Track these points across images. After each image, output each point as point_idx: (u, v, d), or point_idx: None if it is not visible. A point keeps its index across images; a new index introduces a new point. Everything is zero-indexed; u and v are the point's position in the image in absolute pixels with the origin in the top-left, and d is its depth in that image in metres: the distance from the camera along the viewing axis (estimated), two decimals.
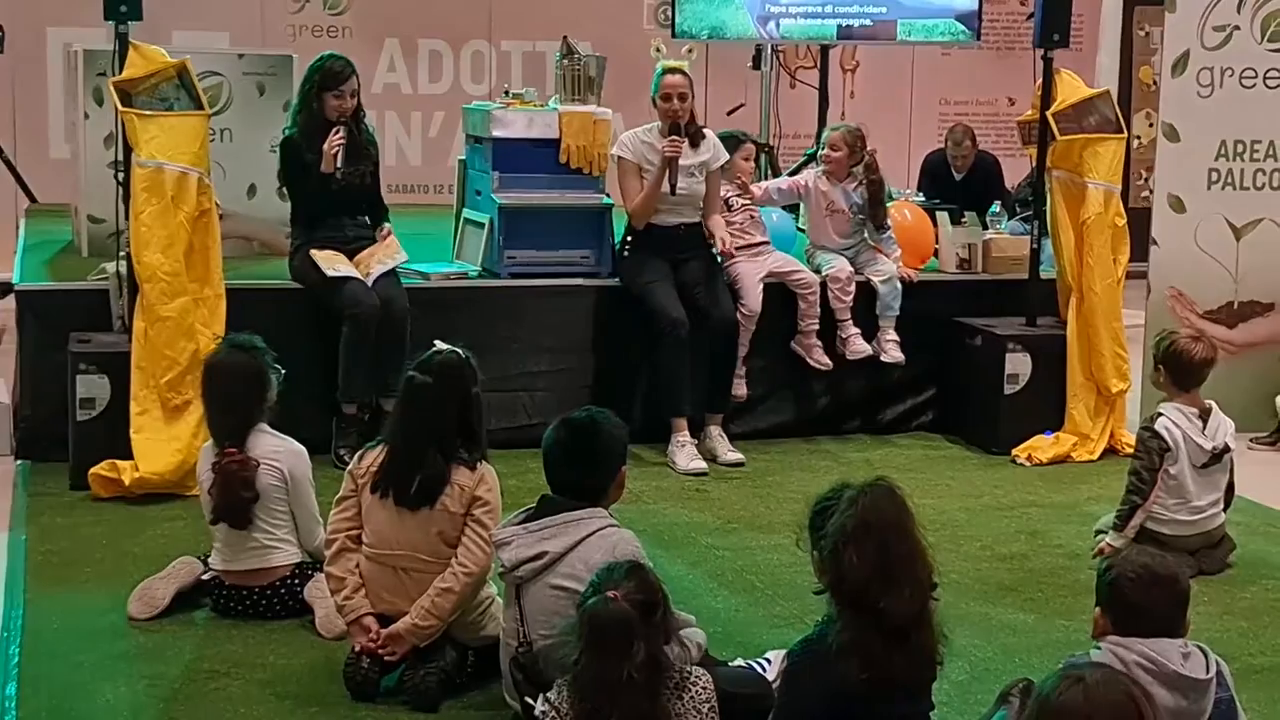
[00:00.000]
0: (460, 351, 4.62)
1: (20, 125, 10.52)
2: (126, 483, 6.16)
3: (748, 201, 7.50)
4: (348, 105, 6.85)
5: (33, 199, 9.73)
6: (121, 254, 6.50)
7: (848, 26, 9.31)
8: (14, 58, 9.99)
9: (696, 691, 3.45)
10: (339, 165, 6.77)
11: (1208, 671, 3.45)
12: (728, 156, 7.29)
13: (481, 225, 7.51)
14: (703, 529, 6.00)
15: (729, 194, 7.39)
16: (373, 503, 4.48)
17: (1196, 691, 3.42)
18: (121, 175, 6.49)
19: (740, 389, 7.21)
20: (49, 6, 10.69)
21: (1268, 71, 7.69)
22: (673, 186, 6.96)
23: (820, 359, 7.33)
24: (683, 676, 3.46)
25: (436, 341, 4.75)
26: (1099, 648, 3.49)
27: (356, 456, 4.66)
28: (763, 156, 8.84)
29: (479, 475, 4.50)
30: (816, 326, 7.31)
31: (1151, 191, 7.95)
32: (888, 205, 7.71)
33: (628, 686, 3.34)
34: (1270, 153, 7.71)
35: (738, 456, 7.01)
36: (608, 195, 7.48)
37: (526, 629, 4.07)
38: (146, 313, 6.30)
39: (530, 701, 3.94)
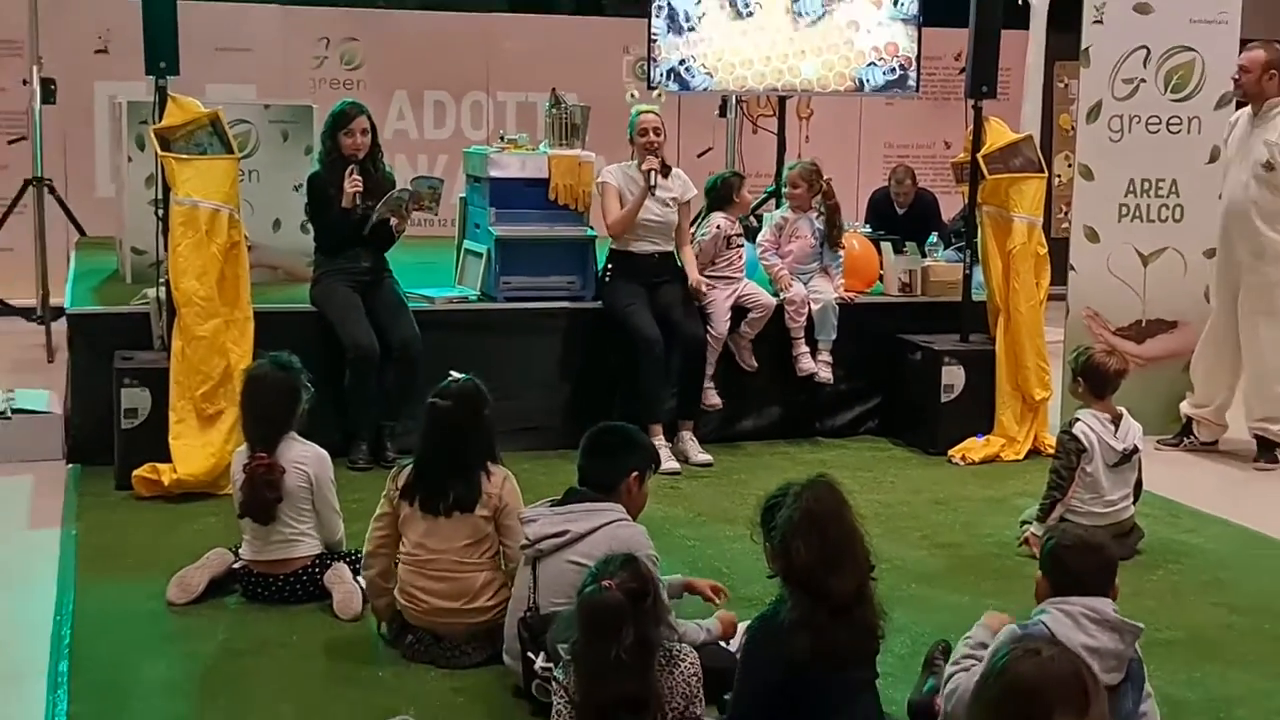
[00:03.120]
0: (473, 380, 4.68)
1: (70, 167, 10.52)
2: (165, 483, 6.18)
3: (743, 242, 7.53)
4: (359, 142, 6.85)
5: (82, 233, 9.71)
6: (161, 281, 6.52)
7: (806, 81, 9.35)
8: (65, 108, 9.97)
9: (685, 667, 3.48)
10: (357, 202, 6.79)
11: (1136, 624, 3.56)
12: (695, 192, 7.35)
13: (480, 255, 7.53)
14: (676, 522, 6.02)
15: (731, 232, 7.40)
16: (409, 515, 4.53)
17: (1130, 634, 3.52)
18: (161, 212, 6.51)
19: (714, 399, 7.24)
20: (96, 63, 10.73)
21: (1170, 118, 7.74)
22: (651, 189, 7.01)
23: (748, 361, 7.36)
24: (672, 655, 3.49)
25: (452, 371, 4.80)
26: (1045, 610, 3.55)
27: (390, 476, 4.68)
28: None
29: (500, 479, 4.57)
30: (753, 335, 7.32)
31: (1069, 224, 7.99)
32: (843, 233, 7.78)
33: (618, 665, 3.37)
34: (1173, 190, 7.74)
35: (707, 458, 7.07)
36: (591, 228, 7.50)
37: (536, 596, 4.13)
38: (183, 333, 6.31)
39: (531, 656, 4.04)
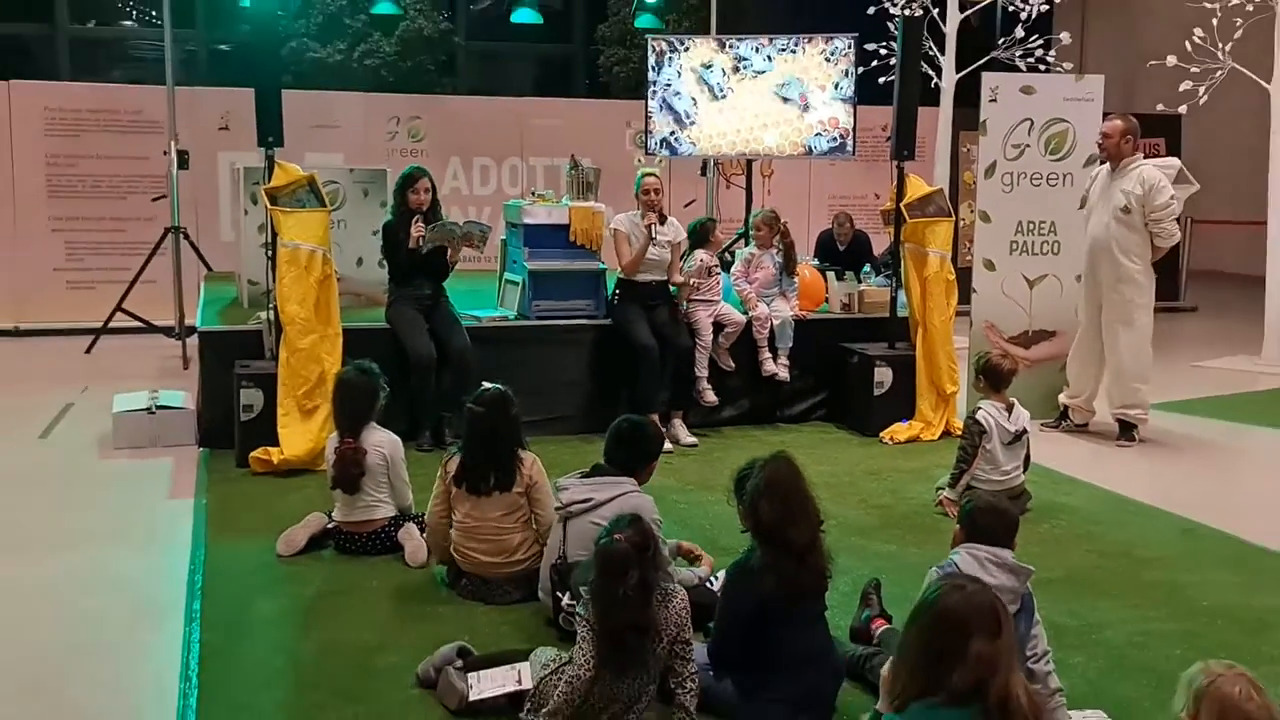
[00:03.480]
0: (502, 388, 4.68)
1: (200, 218, 10.55)
2: (275, 462, 6.19)
3: (720, 272, 7.50)
4: (423, 199, 6.85)
5: (209, 269, 9.73)
6: (270, 306, 6.53)
7: (768, 147, 9.37)
8: (195, 173, 10.00)
9: (677, 603, 3.46)
10: (421, 244, 6.77)
11: (1028, 566, 3.56)
12: (684, 236, 7.34)
13: (517, 283, 7.53)
14: (670, 490, 6.00)
15: (710, 264, 7.36)
16: (458, 494, 4.55)
17: (1023, 575, 3.52)
18: (270, 252, 6.52)
19: (710, 397, 7.21)
20: (219, 138, 10.80)
21: (1049, 174, 7.73)
22: (653, 239, 7.02)
23: (726, 362, 7.34)
24: (667, 593, 3.47)
25: (484, 382, 4.81)
26: (957, 553, 3.56)
27: (442, 463, 4.68)
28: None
29: (530, 462, 4.57)
30: (728, 345, 7.31)
31: (972, 256, 7.99)
32: (797, 264, 7.80)
33: (625, 599, 3.37)
34: (1052, 229, 7.73)
35: (693, 440, 7.05)
36: (603, 263, 7.50)
37: (565, 548, 4.16)
38: (287, 346, 6.34)
39: (559, 595, 4.08)
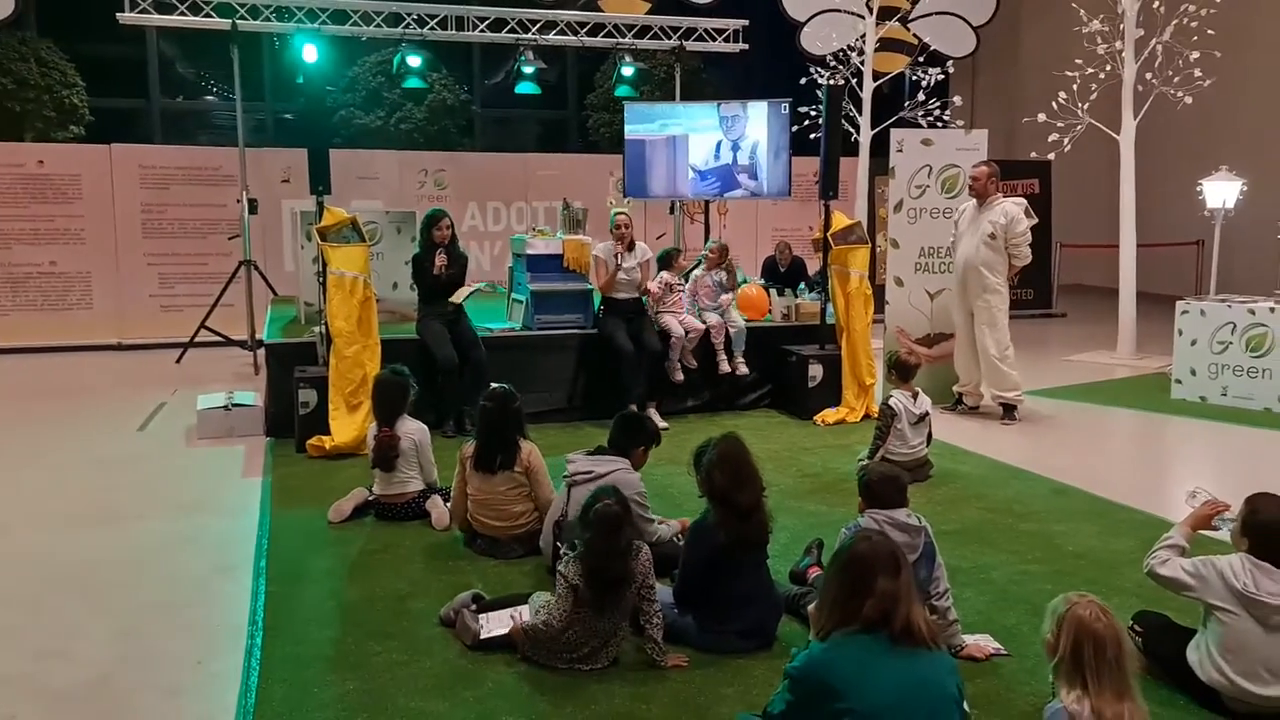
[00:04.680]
0: (507, 387, 4.66)
1: (267, 253, 10.46)
2: (327, 448, 6.16)
3: (682, 287, 7.47)
4: (445, 234, 6.79)
5: (275, 293, 9.67)
6: (322, 322, 6.49)
7: (723, 190, 9.37)
8: (263, 217, 9.91)
9: (643, 556, 3.46)
10: (442, 271, 6.74)
11: (920, 523, 3.55)
12: (652, 256, 7.29)
13: (522, 301, 7.48)
14: (646, 465, 5.92)
15: (673, 282, 7.32)
16: (472, 473, 4.52)
17: (914, 532, 3.51)
18: (321, 279, 6.47)
19: (679, 376, 7.18)
20: (282, 188, 10.73)
21: (945, 209, 7.72)
22: (618, 268, 6.99)
23: (690, 361, 7.27)
24: (636, 549, 3.47)
25: (493, 383, 4.80)
26: (863, 516, 3.56)
27: (460, 449, 4.64)
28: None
29: (528, 450, 4.54)
30: (691, 348, 7.25)
31: (885, 275, 8.00)
32: (743, 284, 7.76)
33: (616, 552, 3.36)
34: (947, 254, 7.71)
35: (665, 425, 6.96)
36: (590, 284, 7.45)
37: (567, 508, 4.11)
38: (336, 354, 6.30)
39: (559, 545, 4.03)
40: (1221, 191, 9.62)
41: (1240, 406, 7.67)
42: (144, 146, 11.35)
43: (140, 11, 9.36)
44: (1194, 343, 7.96)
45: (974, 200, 7.27)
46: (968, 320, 7.37)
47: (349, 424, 6.23)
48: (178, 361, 9.56)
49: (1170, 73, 9.69)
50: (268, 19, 9.57)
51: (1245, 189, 9.80)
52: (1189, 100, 9.56)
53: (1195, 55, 9.47)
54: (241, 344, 9.50)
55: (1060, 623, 2.57)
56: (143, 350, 10.25)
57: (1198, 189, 9.89)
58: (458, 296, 6.80)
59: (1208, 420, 7.41)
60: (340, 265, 6.36)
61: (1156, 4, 9.66)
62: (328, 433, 6.22)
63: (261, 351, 7.96)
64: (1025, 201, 7.34)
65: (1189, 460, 6.66)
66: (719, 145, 8.91)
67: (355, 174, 11.03)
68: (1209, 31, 9.41)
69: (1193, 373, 7.96)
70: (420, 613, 3.88)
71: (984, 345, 7.26)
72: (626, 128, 9.01)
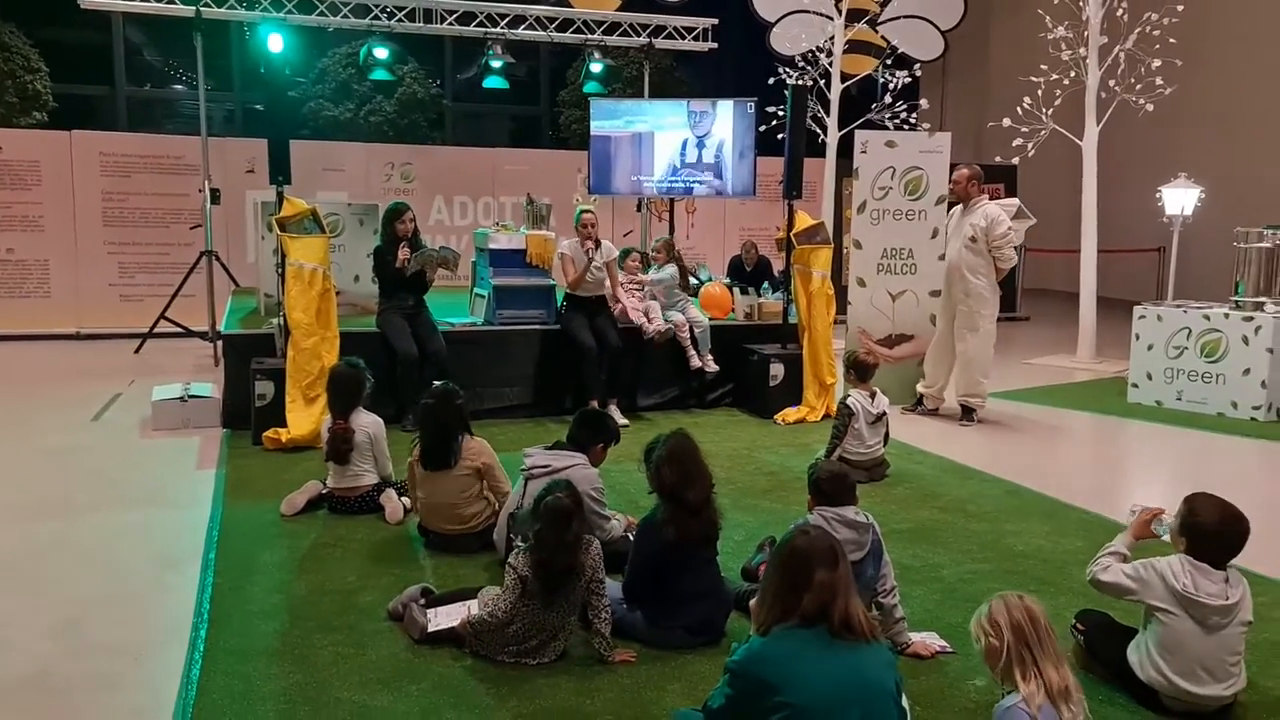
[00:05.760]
0: (450, 384, 4.60)
1: (229, 243, 10.35)
2: (283, 441, 6.11)
3: (639, 287, 7.45)
4: (407, 228, 6.76)
5: (236, 284, 9.60)
6: (280, 314, 6.44)
7: (688, 188, 9.39)
8: (225, 208, 9.83)
9: (593, 550, 3.45)
10: (405, 265, 6.69)
11: (868, 521, 3.56)
12: (617, 254, 7.28)
13: (484, 296, 7.46)
14: (604, 462, 5.97)
15: (630, 281, 7.34)
16: (423, 476, 4.47)
17: (861, 529, 3.52)
18: (280, 270, 6.42)
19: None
20: (246, 179, 10.60)
21: (908, 211, 7.76)
22: (588, 267, 6.96)
23: (657, 344, 7.24)
24: (586, 543, 3.46)
25: (435, 381, 4.74)
26: (811, 514, 3.56)
27: (410, 449, 4.58)
28: (644, 258, 8.92)
29: (477, 447, 4.48)
30: (660, 343, 7.23)
31: (848, 275, 8.04)
32: (707, 282, 7.77)
33: (565, 545, 3.35)
34: (910, 255, 7.75)
35: (625, 422, 6.91)
36: (553, 280, 7.44)
37: (524, 501, 4.04)
38: (294, 346, 6.25)
39: (512, 537, 3.99)
40: (1180, 199, 9.75)
41: (1194, 410, 7.77)
42: (105, 134, 11.20)
43: None
44: (1150, 347, 8.06)
45: (960, 204, 7.30)
46: (949, 324, 7.40)
47: (306, 416, 6.17)
48: (136, 352, 9.44)
49: (1133, 80, 9.81)
50: (233, 6, 9.46)
51: (1203, 196, 9.94)
52: (1150, 107, 9.68)
53: (1157, 63, 9.60)
54: (202, 335, 9.40)
55: (992, 623, 2.58)
56: (101, 340, 10.12)
57: (1157, 196, 10.02)
58: (410, 266, 6.70)
59: (1162, 424, 7.50)
60: (299, 256, 6.29)
61: (1120, 12, 9.78)
62: (285, 425, 6.16)
63: (220, 342, 7.86)
64: (1018, 202, 7.38)
65: (1141, 463, 6.73)
66: (685, 143, 8.91)
67: (322, 165, 10.94)
68: (1170, 40, 9.54)
69: (1149, 377, 8.06)
70: (368, 606, 3.85)
71: (963, 350, 7.29)
72: (592, 124, 9.00)
